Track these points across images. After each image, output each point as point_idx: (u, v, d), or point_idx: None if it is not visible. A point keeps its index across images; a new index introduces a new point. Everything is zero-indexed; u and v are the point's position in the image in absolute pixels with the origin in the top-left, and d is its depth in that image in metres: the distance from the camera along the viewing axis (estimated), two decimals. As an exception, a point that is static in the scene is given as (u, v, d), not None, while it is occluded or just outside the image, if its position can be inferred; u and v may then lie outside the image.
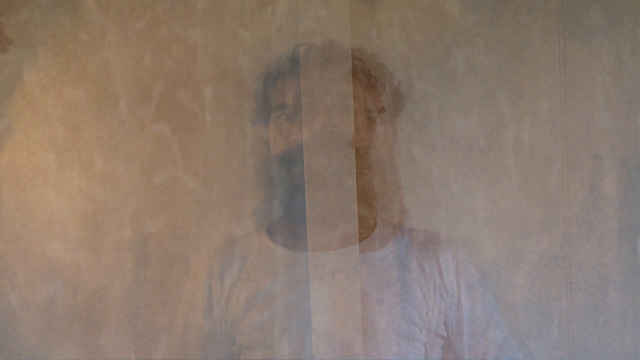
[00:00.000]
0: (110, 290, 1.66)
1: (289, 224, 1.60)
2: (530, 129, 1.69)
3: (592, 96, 1.70)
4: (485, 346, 1.58)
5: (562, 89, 1.70)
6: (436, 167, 1.67)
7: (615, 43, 1.70)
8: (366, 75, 1.62)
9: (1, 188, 1.66)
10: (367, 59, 1.64)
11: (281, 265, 1.59)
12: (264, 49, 1.66)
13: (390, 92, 1.64)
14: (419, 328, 1.56)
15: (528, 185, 1.69)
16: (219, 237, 1.65)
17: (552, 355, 1.67)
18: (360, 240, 1.58)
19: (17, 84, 1.67)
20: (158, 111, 1.69)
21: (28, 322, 1.65)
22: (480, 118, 1.70)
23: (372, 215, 1.62)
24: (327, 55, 1.58)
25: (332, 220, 1.56)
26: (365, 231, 1.60)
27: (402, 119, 1.67)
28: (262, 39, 1.67)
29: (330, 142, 1.54)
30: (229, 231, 1.65)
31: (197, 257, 1.65)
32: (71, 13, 1.67)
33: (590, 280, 1.69)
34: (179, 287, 1.66)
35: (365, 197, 1.59)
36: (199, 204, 1.66)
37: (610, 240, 1.69)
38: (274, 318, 1.56)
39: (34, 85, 1.67)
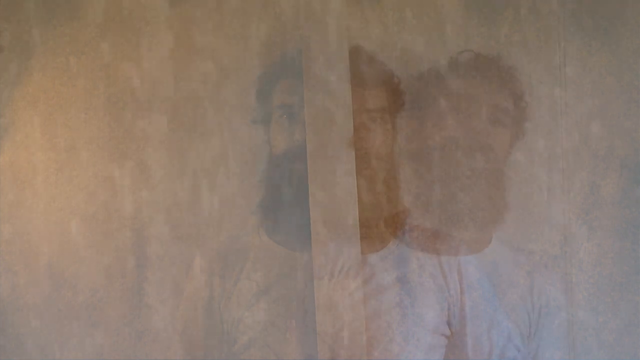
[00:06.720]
0: (110, 290, 1.66)
1: (289, 224, 1.60)
2: (531, 129, 1.69)
3: (592, 96, 1.70)
4: (489, 345, 1.59)
5: (562, 89, 1.70)
6: (436, 167, 1.67)
7: (615, 43, 1.70)
8: (366, 74, 1.62)
9: (1, 188, 1.66)
10: (367, 58, 1.64)
11: (282, 265, 1.59)
12: (266, 48, 1.66)
13: (389, 90, 1.64)
14: (420, 328, 1.56)
15: (528, 185, 1.69)
16: (219, 237, 1.65)
17: (552, 355, 1.67)
18: (361, 240, 1.58)
19: (17, 84, 1.67)
20: (158, 111, 1.68)
21: (28, 322, 1.65)
22: (480, 118, 1.70)
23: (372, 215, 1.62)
24: (328, 54, 1.58)
25: (333, 220, 1.56)
26: (367, 232, 1.60)
27: (402, 118, 1.67)
28: (264, 38, 1.67)
29: (331, 142, 1.54)
30: (229, 231, 1.65)
31: (198, 257, 1.65)
32: (71, 13, 1.67)
33: (590, 280, 1.69)
34: (179, 287, 1.66)
35: (366, 196, 1.59)
36: (200, 203, 1.66)
37: (610, 240, 1.69)
38: (274, 318, 1.56)
39: (34, 85, 1.67)
